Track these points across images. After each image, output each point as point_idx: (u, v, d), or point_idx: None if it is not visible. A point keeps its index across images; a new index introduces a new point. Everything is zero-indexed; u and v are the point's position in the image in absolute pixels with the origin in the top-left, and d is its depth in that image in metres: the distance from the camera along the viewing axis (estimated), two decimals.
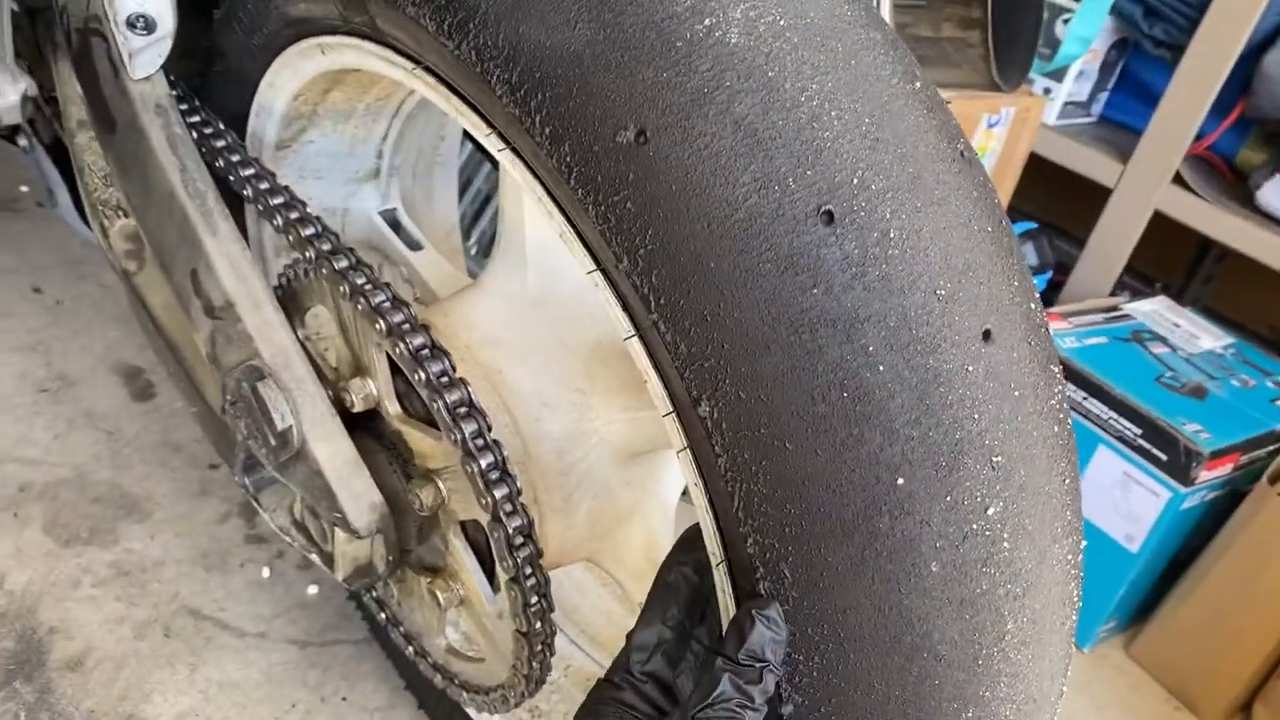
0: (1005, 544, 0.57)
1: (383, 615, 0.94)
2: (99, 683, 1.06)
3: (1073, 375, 1.51)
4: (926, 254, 0.54)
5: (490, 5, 0.60)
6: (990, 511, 0.56)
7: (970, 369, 0.55)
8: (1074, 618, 0.64)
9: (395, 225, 1.02)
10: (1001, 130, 1.60)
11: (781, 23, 0.56)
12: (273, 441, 0.75)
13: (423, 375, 0.69)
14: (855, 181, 0.54)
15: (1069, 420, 0.62)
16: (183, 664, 1.11)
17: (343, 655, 1.15)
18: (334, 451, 0.75)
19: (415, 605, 0.88)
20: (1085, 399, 1.49)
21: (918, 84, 0.59)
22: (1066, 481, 0.60)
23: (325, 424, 0.76)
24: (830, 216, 0.53)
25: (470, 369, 0.77)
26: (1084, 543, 0.64)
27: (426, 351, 0.70)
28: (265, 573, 1.23)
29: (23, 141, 1.14)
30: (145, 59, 0.78)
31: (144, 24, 0.77)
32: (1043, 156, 1.79)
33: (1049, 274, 1.86)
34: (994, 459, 0.56)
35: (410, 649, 0.91)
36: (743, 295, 0.54)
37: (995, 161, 1.63)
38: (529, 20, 0.59)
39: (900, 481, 0.54)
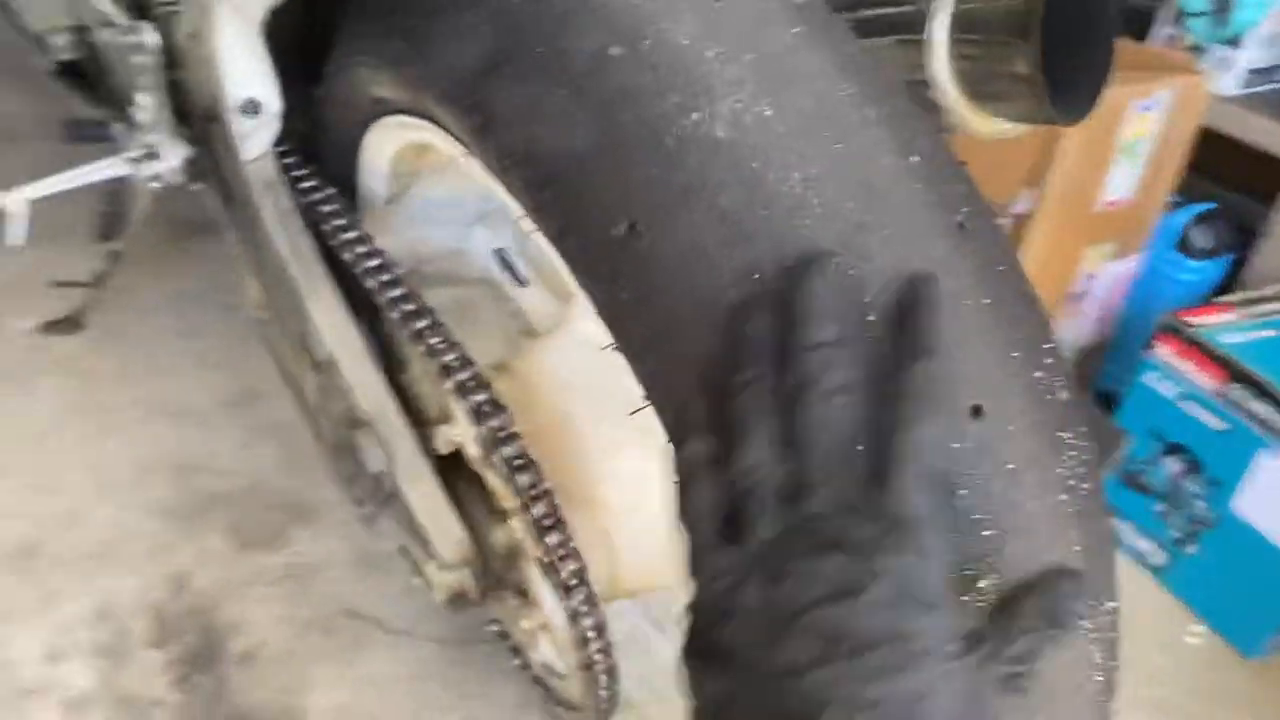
0: None
1: (497, 627, 1.02)
2: (267, 676, 1.20)
3: (1235, 372, 1.42)
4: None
5: (506, 109, 0.65)
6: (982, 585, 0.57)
7: (956, 446, 0.56)
8: (1100, 676, 0.64)
9: (505, 263, 1.09)
10: (1158, 114, 1.51)
11: (768, 113, 0.58)
12: (370, 484, 0.84)
13: (482, 431, 0.76)
14: None
15: (1090, 486, 0.62)
16: (339, 660, 1.23)
17: (480, 656, 1.25)
18: (423, 492, 0.83)
19: (512, 622, 0.96)
20: (1248, 398, 1.41)
21: (915, 158, 0.59)
22: (1076, 549, 0.60)
23: (415, 467, 0.84)
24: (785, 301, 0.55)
25: (541, 414, 0.83)
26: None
27: (487, 408, 0.76)
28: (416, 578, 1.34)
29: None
30: (255, 141, 0.87)
31: (253, 108, 0.87)
32: (1221, 132, 1.68)
33: (1229, 259, 1.74)
34: (983, 532, 0.57)
35: (517, 660, 0.99)
36: (720, 381, 0.57)
37: (1154, 146, 1.55)
38: (539, 123, 0.63)
39: None
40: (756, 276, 0.56)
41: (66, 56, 1.34)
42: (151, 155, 1.16)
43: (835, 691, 0.44)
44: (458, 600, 0.88)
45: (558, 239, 0.63)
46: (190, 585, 1.29)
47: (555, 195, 0.62)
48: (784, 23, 0.62)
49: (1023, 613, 0.52)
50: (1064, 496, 0.60)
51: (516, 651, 0.98)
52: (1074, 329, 1.65)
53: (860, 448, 0.51)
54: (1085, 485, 0.61)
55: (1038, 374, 0.60)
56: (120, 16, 1.06)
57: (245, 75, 0.86)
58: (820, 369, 0.51)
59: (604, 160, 0.60)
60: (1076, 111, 0.79)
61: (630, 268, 0.60)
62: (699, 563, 0.51)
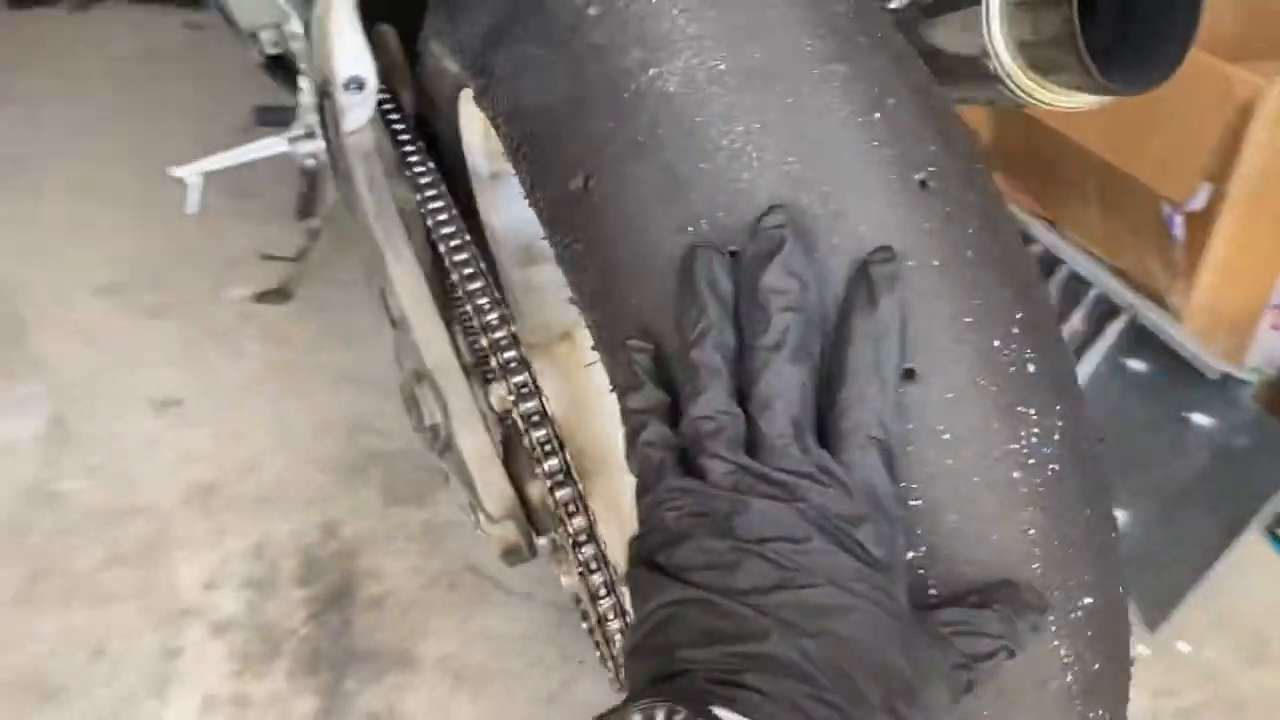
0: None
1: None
2: (389, 621, 1.29)
3: None
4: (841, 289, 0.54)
5: (500, 70, 0.68)
6: (910, 555, 0.55)
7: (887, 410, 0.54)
8: (1070, 676, 0.59)
9: None
10: None
11: (721, 67, 0.58)
12: (429, 434, 0.89)
13: (517, 413, 0.79)
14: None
15: (1059, 467, 0.58)
16: (458, 613, 1.30)
17: None
18: (474, 445, 0.88)
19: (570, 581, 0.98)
20: None
21: (877, 115, 0.58)
22: (1030, 532, 0.56)
23: (469, 420, 0.88)
24: (736, 256, 0.55)
25: (580, 391, 0.86)
26: None
27: (526, 389, 0.80)
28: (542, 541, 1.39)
29: None
30: (355, 115, 0.95)
31: (357, 84, 0.94)
32: None
33: None
34: (911, 501, 0.54)
35: (584, 622, 1.02)
36: (661, 331, 0.58)
37: None
38: (522, 80, 0.66)
39: None
40: (691, 230, 0.57)
41: (271, 51, 1.49)
42: (310, 134, 1.29)
43: (783, 616, 0.47)
44: (511, 554, 0.92)
45: (530, 192, 0.65)
46: (339, 533, 1.40)
47: (530, 149, 0.65)
48: None
49: (972, 623, 0.52)
50: (1017, 474, 0.56)
51: (584, 614, 1.01)
52: (1273, 344, 1.49)
53: (806, 406, 0.52)
54: (1053, 465, 0.57)
55: (996, 343, 0.57)
56: (288, 9, 1.18)
57: (351, 54, 0.94)
58: (775, 325, 0.52)
59: (569, 116, 0.62)
60: (1144, 80, 0.73)
61: (583, 220, 0.61)
62: (652, 493, 0.53)
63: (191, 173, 1.23)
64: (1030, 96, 0.77)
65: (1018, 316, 0.58)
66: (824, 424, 0.52)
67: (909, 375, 0.54)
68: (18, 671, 1.20)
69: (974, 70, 0.79)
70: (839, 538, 0.49)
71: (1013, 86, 0.77)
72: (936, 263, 0.56)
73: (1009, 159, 1.66)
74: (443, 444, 0.89)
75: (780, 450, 0.51)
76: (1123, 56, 0.73)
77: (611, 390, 0.62)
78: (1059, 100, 0.78)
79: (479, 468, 0.88)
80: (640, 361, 0.57)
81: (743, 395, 0.52)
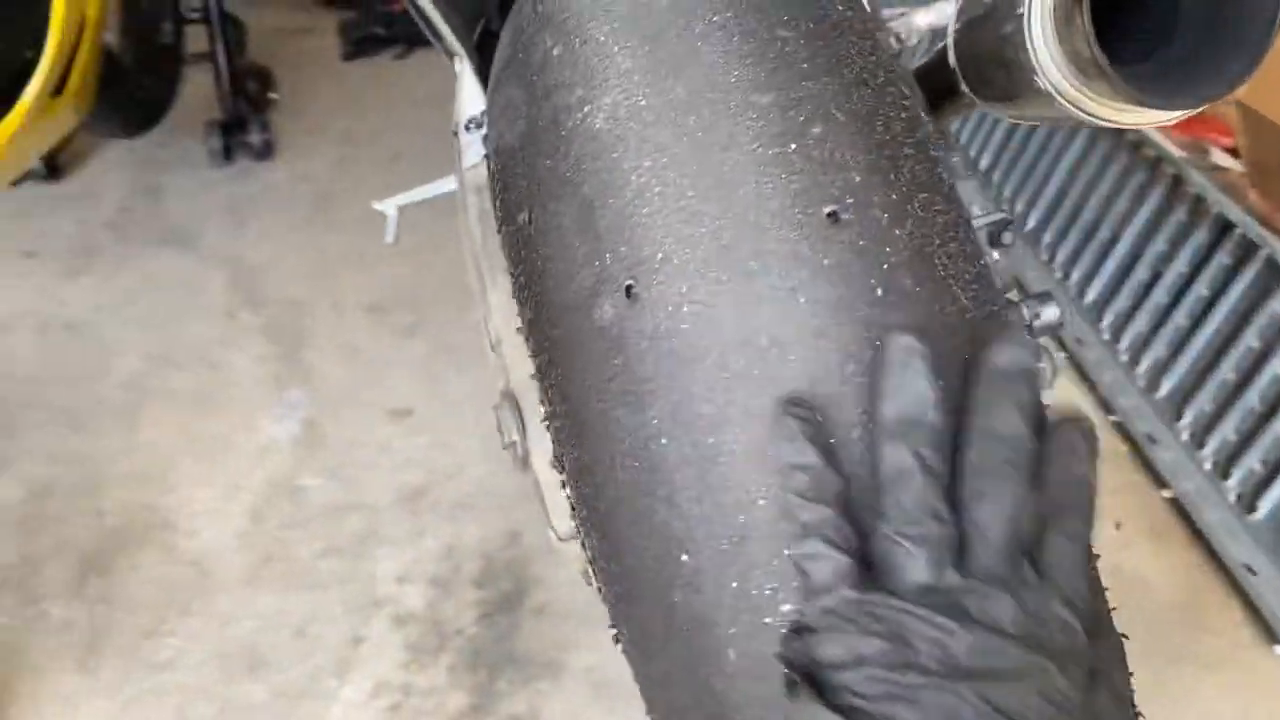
0: None
1: None
2: (546, 629, 1.35)
3: None
4: (720, 329, 0.54)
5: (491, 112, 0.72)
6: (785, 608, 0.52)
7: (759, 452, 0.52)
8: None
9: None
10: None
11: (642, 103, 0.59)
12: (510, 451, 0.94)
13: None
14: (659, 256, 0.55)
15: None
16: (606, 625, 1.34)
17: None
18: (542, 465, 0.92)
19: None
20: None
21: (793, 146, 0.56)
22: None
23: (543, 440, 0.92)
24: (630, 291, 0.56)
25: None
26: None
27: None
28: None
29: None
30: (472, 151, 1.02)
31: (476, 123, 1.02)
32: None
33: None
34: (786, 550, 0.52)
35: None
36: (573, 363, 0.60)
37: None
38: (502, 120, 0.69)
39: (685, 558, 0.55)
40: (597, 264, 0.58)
41: None
42: None
43: None
44: (586, 574, 0.94)
45: (500, 227, 0.68)
46: (520, 540, 1.48)
47: (500, 186, 0.68)
48: (707, 10, 0.61)
49: None
50: None
51: None
52: None
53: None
54: None
55: None
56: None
57: (469, 97, 1.01)
58: (1008, 425, 0.48)
59: (523, 152, 0.65)
60: (1195, 97, 0.65)
61: (525, 254, 0.64)
62: (820, 598, 0.48)
63: (390, 206, 1.36)
64: (1082, 110, 0.70)
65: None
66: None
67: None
68: (235, 644, 1.38)
69: (1027, 88, 0.73)
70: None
71: (1064, 102, 0.70)
72: (831, 300, 0.53)
73: (1266, 176, 1.47)
74: (521, 462, 0.94)
75: (988, 569, 0.45)
76: (1187, 70, 0.65)
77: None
78: (1119, 116, 0.70)
79: (549, 486, 0.91)
80: (808, 433, 0.50)
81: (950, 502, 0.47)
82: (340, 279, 2.08)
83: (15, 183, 2.41)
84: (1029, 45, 0.70)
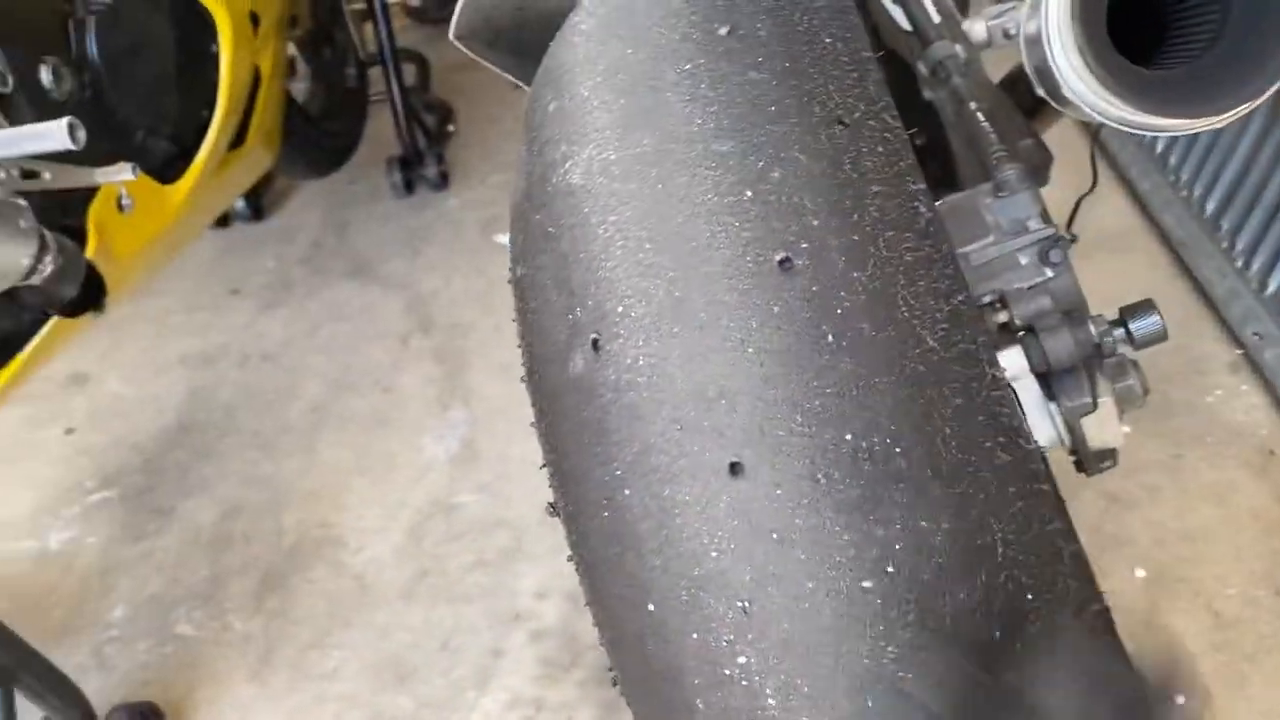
0: (770, 700, 0.53)
1: None
2: None
3: None
4: (672, 382, 0.55)
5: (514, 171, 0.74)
6: (741, 660, 0.53)
7: (710, 504, 0.53)
8: None
9: None
10: None
11: (612, 157, 0.60)
12: None
13: None
14: (620, 310, 0.57)
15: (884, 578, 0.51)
16: None
17: None
18: None
19: None
20: None
21: (748, 194, 0.56)
22: (863, 653, 0.51)
23: None
24: (595, 344, 0.58)
25: None
26: None
27: None
28: None
29: None
30: None
31: None
32: None
33: None
34: (739, 603, 0.53)
35: None
36: (554, 414, 0.62)
37: None
38: (515, 175, 0.72)
39: (651, 608, 0.56)
40: (570, 318, 0.60)
41: None
42: None
43: None
44: None
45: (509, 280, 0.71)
46: None
47: (511, 238, 0.71)
48: (679, 59, 0.61)
49: None
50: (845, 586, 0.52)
51: None
52: None
53: None
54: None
55: (848, 437, 0.52)
56: None
57: None
58: None
59: (521, 208, 0.67)
60: (1227, 101, 0.61)
61: (520, 306, 0.66)
62: None
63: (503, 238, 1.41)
64: (1106, 118, 0.67)
65: (888, 406, 0.52)
66: None
67: (733, 469, 0.52)
68: (386, 655, 1.47)
69: (1060, 94, 0.70)
70: None
71: (1088, 110, 0.67)
72: (780, 348, 0.53)
73: None
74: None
75: None
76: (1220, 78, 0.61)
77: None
78: (1147, 120, 0.66)
79: None
80: None
81: None
82: (502, 301, 2.17)
83: (225, 224, 2.64)
84: (1048, 49, 0.67)
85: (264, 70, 1.94)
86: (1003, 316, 0.77)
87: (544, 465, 0.66)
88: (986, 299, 0.77)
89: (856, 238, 0.55)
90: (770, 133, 0.57)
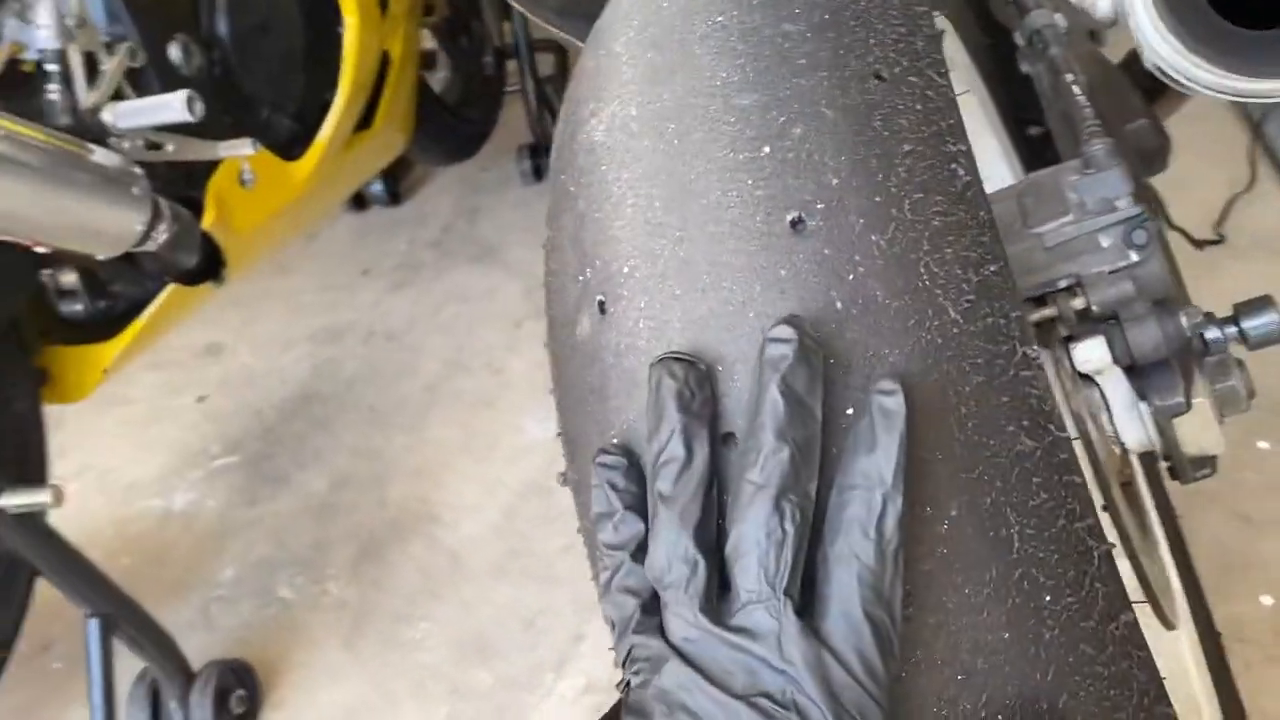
0: None
1: None
2: None
3: None
4: (669, 345, 0.52)
5: None
6: None
7: None
8: None
9: None
10: None
11: (633, 112, 0.58)
12: None
13: None
14: (626, 270, 0.55)
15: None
16: None
17: None
18: None
19: None
20: None
21: (765, 150, 0.53)
22: None
23: None
24: (602, 306, 0.55)
25: None
26: None
27: None
28: None
29: None
30: None
31: None
32: None
33: None
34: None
35: None
36: (564, 378, 0.60)
37: None
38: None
39: None
40: (580, 280, 0.57)
41: None
42: None
43: None
44: None
45: None
46: None
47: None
48: (711, 11, 0.58)
49: None
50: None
51: None
52: None
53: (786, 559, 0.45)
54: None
55: (849, 411, 0.49)
56: None
57: None
58: (764, 455, 0.45)
59: (554, 168, 0.65)
60: None
61: (546, 269, 0.64)
62: (620, 645, 0.49)
63: None
64: (1192, 83, 0.61)
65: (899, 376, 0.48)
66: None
67: (725, 441, 0.49)
68: (471, 630, 1.48)
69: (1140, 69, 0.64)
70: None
71: (1177, 76, 0.61)
72: (783, 314, 0.49)
73: None
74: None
75: (747, 611, 0.44)
76: None
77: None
78: (1227, 86, 0.60)
79: None
80: (612, 481, 0.50)
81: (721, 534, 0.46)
82: None
83: (362, 207, 2.72)
84: (1130, 7, 0.61)
85: (394, 54, 1.98)
86: (1079, 302, 0.71)
87: (558, 434, 0.64)
88: (1063, 283, 0.71)
89: (879, 199, 0.51)
90: (797, 86, 0.54)
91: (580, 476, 0.58)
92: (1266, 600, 1.21)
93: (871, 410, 0.45)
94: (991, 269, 0.51)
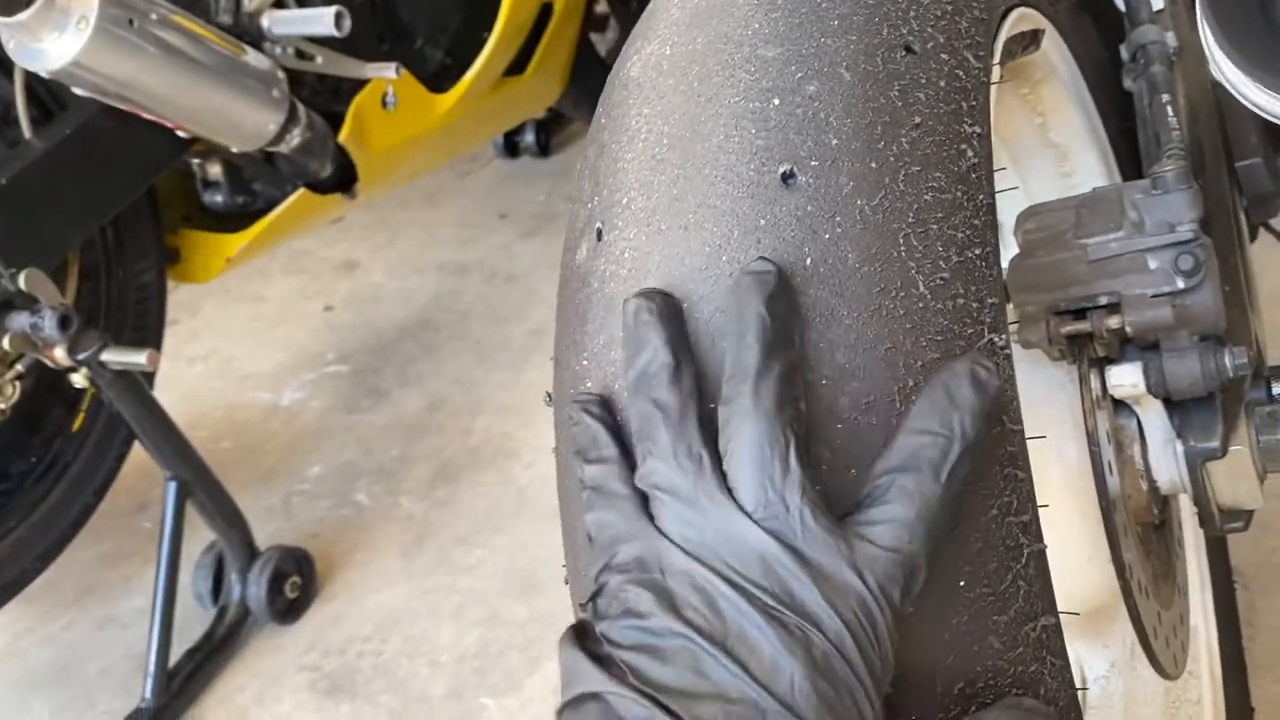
0: None
1: None
2: None
3: None
4: (647, 279, 0.53)
5: None
6: None
7: None
8: None
9: None
10: None
11: (667, 52, 0.59)
12: None
13: None
14: (625, 201, 0.57)
15: None
16: None
17: None
18: None
19: None
20: None
21: (775, 101, 0.53)
22: None
23: None
24: (600, 234, 0.57)
25: None
26: None
27: None
28: None
29: None
30: None
31: None
32: None
33: None
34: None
35: None
36: (564, 289, 0.61)
37: None
38: None
39: None
40: (589, 206, 0.59)
41: None
42: None
43: None
44: None
45: None
46: None
47: None
48: None
49: None
50: None
51: None
52: None
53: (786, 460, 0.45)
54: None
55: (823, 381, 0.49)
56: None
57: None
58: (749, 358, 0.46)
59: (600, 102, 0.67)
60: None
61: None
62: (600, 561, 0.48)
63: None
64: (1254, 104, 0.58)
65: (847, 343, 0.48)
66: None
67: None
68: (521, 567, 1.52)
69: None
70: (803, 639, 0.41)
71: (1238, 92, 0.59)
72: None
73: None
74: None
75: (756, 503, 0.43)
76: None
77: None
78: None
79: None
80: (588, 408, 0.51)
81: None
82: None
83: (515, 154, 2.80)
84: (1201, 28, 0.59)
85: (557, 6, 2.02)
86: (1116, 321, 0.69)
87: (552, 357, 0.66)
88: (1103, 299, 0.69)
89: (874, 164, 0.50)
90: (822, 45, 0.54)
91: (558, 396, 0.60)
92: None
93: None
94: (976, 252, 0.51)
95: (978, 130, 0.54)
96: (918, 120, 0.52)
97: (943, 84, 0.54)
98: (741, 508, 0.43)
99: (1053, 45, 0.85)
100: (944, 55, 0.55)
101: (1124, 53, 0.85)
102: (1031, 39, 0.81)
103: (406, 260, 2.42)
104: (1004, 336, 0.50)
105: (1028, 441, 0.51)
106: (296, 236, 1.75)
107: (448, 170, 2.70)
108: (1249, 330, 0.77)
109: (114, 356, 1.19)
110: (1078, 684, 0.97)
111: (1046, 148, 0.95)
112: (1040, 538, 0.49)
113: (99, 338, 1.20)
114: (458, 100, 1.79)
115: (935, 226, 0.50)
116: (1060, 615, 0.50)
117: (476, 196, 2.67)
